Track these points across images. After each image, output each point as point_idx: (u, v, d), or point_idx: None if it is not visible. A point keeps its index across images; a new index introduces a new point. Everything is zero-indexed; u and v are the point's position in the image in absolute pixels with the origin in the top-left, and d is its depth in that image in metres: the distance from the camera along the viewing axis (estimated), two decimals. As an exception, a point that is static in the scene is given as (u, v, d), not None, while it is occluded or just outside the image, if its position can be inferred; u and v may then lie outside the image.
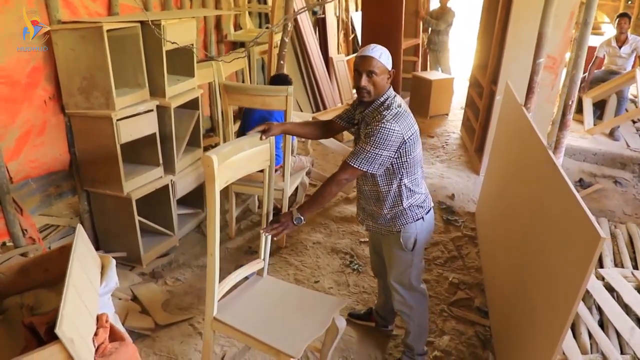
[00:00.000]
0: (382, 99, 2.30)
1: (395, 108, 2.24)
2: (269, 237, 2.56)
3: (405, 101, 7.67)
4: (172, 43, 3.29)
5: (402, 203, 2.37)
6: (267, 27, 4.06)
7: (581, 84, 6.43)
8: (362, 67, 2.25)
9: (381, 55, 2.24)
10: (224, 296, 2.41)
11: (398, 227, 2.41)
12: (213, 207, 2.14)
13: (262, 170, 2.51)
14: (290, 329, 2.24)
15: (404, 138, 2.20)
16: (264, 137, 2.35)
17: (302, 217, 2.27)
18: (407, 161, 2.28)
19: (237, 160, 2.24)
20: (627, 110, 6.78)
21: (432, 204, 2.54)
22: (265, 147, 2.39)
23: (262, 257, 2.63)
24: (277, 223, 2.29)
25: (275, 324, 2.29)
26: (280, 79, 3.91)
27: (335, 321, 2.35)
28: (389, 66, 2.29)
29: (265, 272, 2.65)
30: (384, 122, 2.17)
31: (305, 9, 5.24)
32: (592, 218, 1.92)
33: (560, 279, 2.13)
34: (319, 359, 2.60)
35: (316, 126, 2.66)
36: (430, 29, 8.22)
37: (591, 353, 2.75)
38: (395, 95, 2.33)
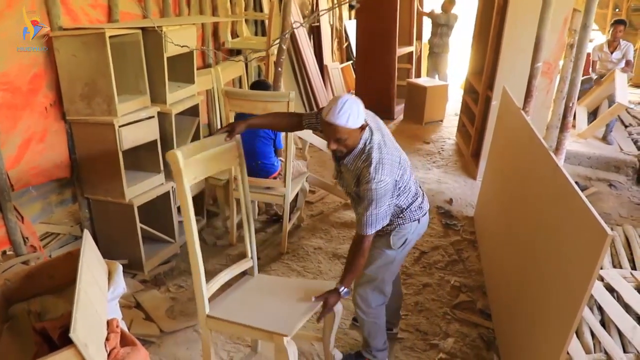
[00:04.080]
0: (359, 148, 2.19)
1: (376, 152, 2.16)
2: (253, 234, 2.62)
3: (399, 108, 7.65)
4: (182, 46, 3.30)
5: (398, 215, 2.39)
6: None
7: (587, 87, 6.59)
8: (329, 133, 2.12)
9: (348, 120, 2.05)
10: (217, 297, 2.46)
11: (392, 226, 2.42)
12: (185, 202, 2.19)
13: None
14: (281, 314, 2.31)
15: (395, 180, 2.22)
16: (228, 139, 2.35)
17: (348, 289, 2.34)
18: (399, 188, 2.30)
19: (205, 157, 2.28)
20: (619, 116, 6.89)
21: (429, 207, 2.55)
22: (232, 145, 2.41)
23: (250, 256, 2.64)
24: (327, 305, 2.33)
25: (267, 312, 2.35)
26: (260, 85, 3.95)
27: None
28: (360, 123, 2.11)
29: (256, 270, 2.67)
30: (372, 183, 2.12)
31: (304, 23, 5.27)
32: (598, 216, 1.94)
33: (565, 278, 2.14)
34: (323, 348, 2.65)
35: (282, 117, 2.62)
36: (431, 33, 8.21)
37: (594, 352, 2.77)
38: (371, 136, 2.20)
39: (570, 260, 2.13)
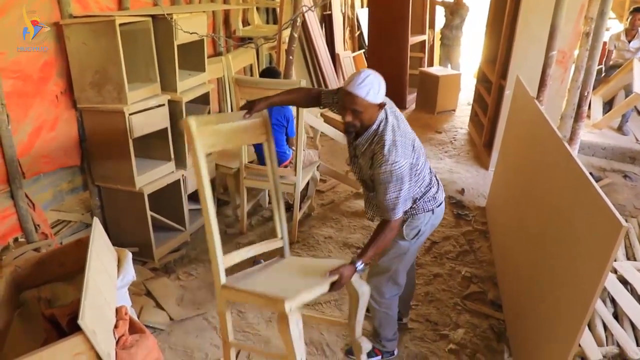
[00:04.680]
0: (372, 129, 2.17)
1: (389, 134, 2.14)
2: (284, 214, 2.48)
3: (411, 97, 7.56)
4: (192, 33, 3.28)
5: (411, 205, 2.34)
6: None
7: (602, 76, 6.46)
8: (347, 102, 2.09)
9: (369, 93, 2.04)
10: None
11: (406, 216, 2.37)
12: (199, 169, 2.11)
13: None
14: (293, 287, 2.14)
15: (410, 163, 2.17)
16: (248, 116, 2.26)
17: (364, 266, 2.20)
18: (414, 173, 2.25)
19: (226, 129, 2.23)
20: (636, 107, 6.76)
21: (444, 197, 2.51)
22: (260, 121, 2.34)
23: (280, 236, 2.51)
24: (340, 280, 2.12)
25: (280, 285, 2.25)
26: (270, 72, 3.93)
27: (354, 285, 2.22)
28: (379, 100, 2.10)
29: (287, 251, 2.55)
30: (387, 165, 2.10)
31: (314, 7, 5.22)
32: (612, 207, 1.90)
33: (578, 270, 2.11)
34: (349, 332, 2.46)
35: (301, 93, 2.52)
36: (443, 22, 8.17)
37: (607, 345, 2.74)
38: (386, 118, 2.18)
39: (583, 251, 2.09)
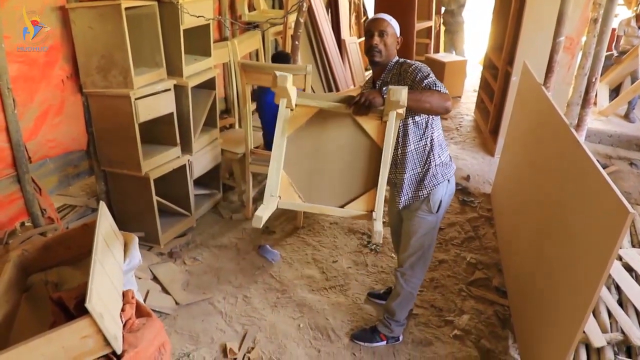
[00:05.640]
0: (394, 60, 2.37)
1: (409, 60, 2.34)
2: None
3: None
4: (199, 17, 3.26)
5: (434, 159, 2.38)
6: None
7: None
8: (374, 27, 2.30)
9: (391, 19, 2.33)
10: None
11: (428, 190, 2.40)
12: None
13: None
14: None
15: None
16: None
17: (400, 97, 1.90)
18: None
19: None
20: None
21: (455, 166, 2.54)
22: None
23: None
24: (363, 96, 1.99)
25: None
26: (281, 57, 3.89)
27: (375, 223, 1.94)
28: (398, 33, 2.36)
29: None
30: (416, 63, 2.26)
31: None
32: (619, 193, 1.90)
33: (583, 256, 2.11)
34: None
35: None
36: (443, 9, 8.20)
37: (611, 332, 2.74)
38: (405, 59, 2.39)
39: (589, 238, 2.09)
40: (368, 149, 2.08)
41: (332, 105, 2.08)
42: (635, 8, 6.53)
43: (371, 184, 2.05)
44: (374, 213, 1.98)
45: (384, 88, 2.20)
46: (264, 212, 1.91)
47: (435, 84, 2.15)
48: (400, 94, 1.89)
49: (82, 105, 3.28)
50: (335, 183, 2.09)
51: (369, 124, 2.08)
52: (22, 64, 2.85)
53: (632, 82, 6.22)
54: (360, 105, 2.00)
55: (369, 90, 2.17)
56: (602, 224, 1.99)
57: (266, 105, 3.71)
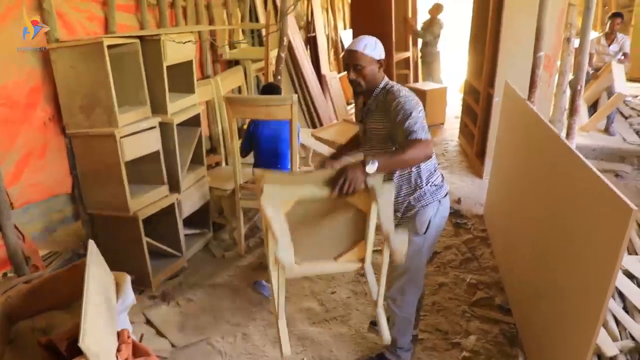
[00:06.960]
0: (380, 86, 2.30)
1: (398, 86, 2.27)
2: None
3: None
4: (186, 42, 3.28)
5: (422, 182, 2.32)
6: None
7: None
8: (350, 60, 2.26)
9: (365, 47, 2.21)
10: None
11: (415, 209, 2.35)
12: None
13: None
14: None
15: (420, 109, 2.17)
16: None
17: (376, 162, 1.91)
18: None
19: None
20: (618, 109, 6.86)
21: (448, 188, 2.48)
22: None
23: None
24: (345, 179, 1.89)
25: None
26: (271, 88, 3.88)
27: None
28: (377, 56, 2.25)
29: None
30: (400, 98, 2.16)
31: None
32: (619, 192, 1.87)
33: (589, 262, 2.07)
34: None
35: (355, 138, 2.69)
36: (420, 41, 8.40)
37: (621, 339, 2.68)
38: (393, 83, 2.32)
39: (592, 242, 2.05)
40: (354, 213, 2.07)
41: (316, 194, 1.98)
42: (602, 30, 6.76)
43: (360, 237, 2.11)
44: (365, 266, 2.15)
45: (366, 159, 1.98)
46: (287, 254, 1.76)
47: (415, 130, 2.06)
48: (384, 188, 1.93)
49: (66, 147, 3.21)
50: (325, 242, 2.12)
51: (352, 197, 2.00)
52: (2, 107, 2.79)
53: (609, 97, 6.35)
54: (344, 191, 1.90)
55: (352, 166, 1.93)
56: (605, 226, 1.95)
57: (262, 137, 3.69)
